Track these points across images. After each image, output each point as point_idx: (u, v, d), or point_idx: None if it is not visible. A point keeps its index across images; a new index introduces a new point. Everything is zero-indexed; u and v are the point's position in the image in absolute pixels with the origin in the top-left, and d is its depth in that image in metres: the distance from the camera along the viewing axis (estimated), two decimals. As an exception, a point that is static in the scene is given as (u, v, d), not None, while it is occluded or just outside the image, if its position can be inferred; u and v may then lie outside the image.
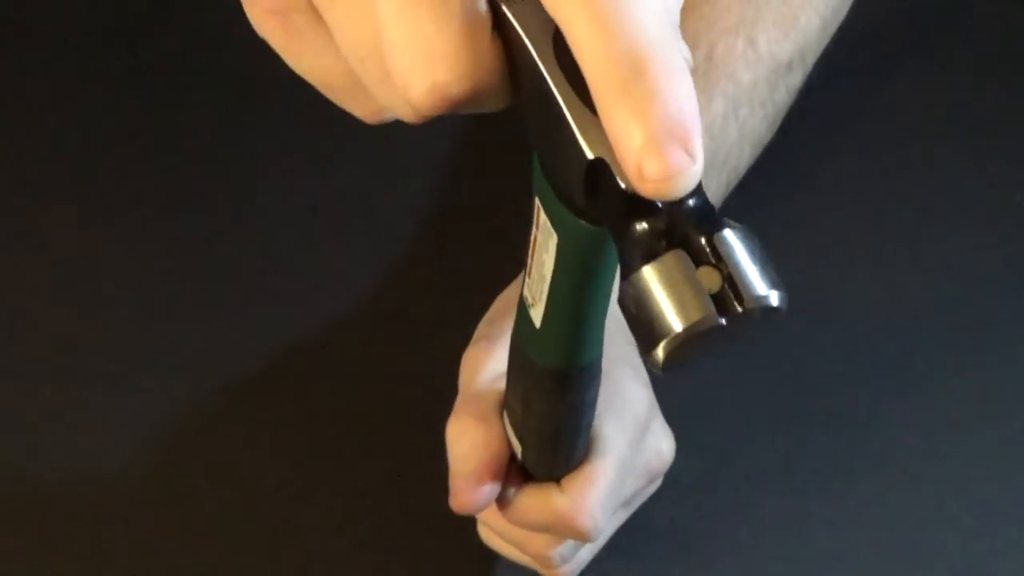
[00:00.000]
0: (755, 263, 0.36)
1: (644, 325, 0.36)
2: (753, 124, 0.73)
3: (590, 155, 0.36)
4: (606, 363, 0.57)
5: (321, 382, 0.76)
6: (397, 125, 0.92)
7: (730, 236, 0.36)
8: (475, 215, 0.82)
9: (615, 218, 0.37)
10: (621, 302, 0.37)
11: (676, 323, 0.35)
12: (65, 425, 0.75)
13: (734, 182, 0.73)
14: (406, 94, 0.35)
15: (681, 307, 0.35)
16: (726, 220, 0.37)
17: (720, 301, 0.36)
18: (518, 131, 0.38)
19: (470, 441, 0.60)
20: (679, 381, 0.68)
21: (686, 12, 0.72)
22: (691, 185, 0.34)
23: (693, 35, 0.72)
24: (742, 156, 0.73)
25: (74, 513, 0.72)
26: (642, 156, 0.33)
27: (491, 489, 0.60)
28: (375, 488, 0.72)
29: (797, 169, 0.82)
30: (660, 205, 0.36)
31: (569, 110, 0.36)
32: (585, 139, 0.36)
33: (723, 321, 0.35)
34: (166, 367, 0.77)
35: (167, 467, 0.73)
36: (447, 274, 0.80)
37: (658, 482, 0.66)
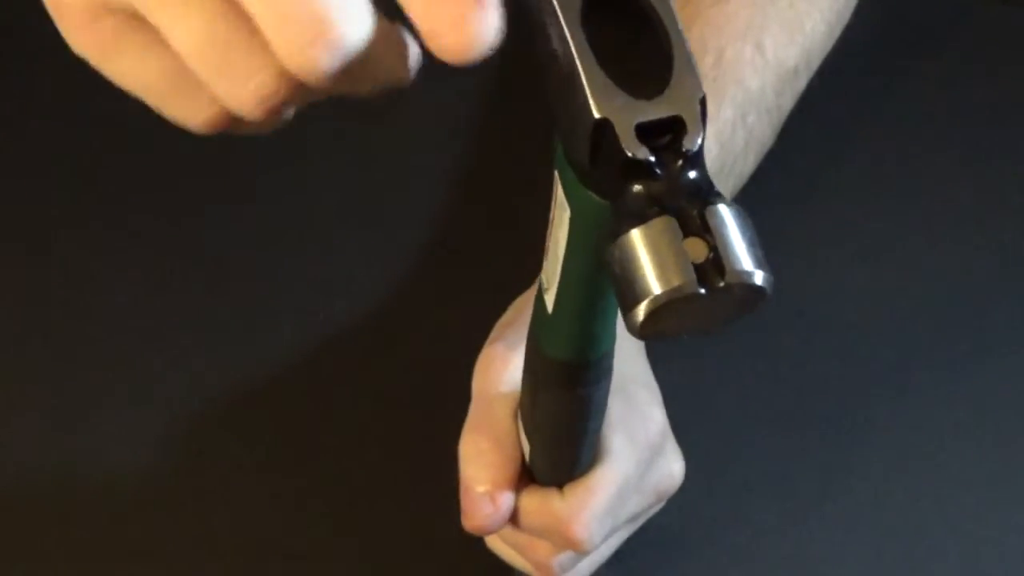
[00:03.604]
0: (744, 240, 0.37)
1: (626, 287, 0.37)
2: (760, 131, 0.73)
3: (596, 114, 0.37)
4: (623, 381, 0.57)
5: (325, 388, 0.76)
6: (405, 128, 0.91)
7: (722, 210, 0.37)
8: (484, 220, 0.82)
9: (614, 181, 0.38)
10: (607, 263, 0.37)
11: (655, 286, 0.36)
12: (66, 432, 0.74)
13: (739, 188, 0.73)
14: (300, 58, 0.33)
15: (662, 272, 0.36)
16: (722, 196, 0.37)
17: (703, 272, 0.36)
18: (533, 126, 0.38)
19: (484, 462, 0.60)
20: (677, 386, 0.69)
21: (693, 17, 0.72)
22: (492, 32, 0.33)
23: (701, 40, 0.71)
24: (747, 163, 0.73)
25: (75, 517, 0.72)
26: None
27: (504, 512, 0.60)
28: (381, 495, 0.72)
29: (795, 171, 0.82)
30: (659, 172, 0.37)
31: (583, 68, 0.36)
32: (594, 98, 0.36)
33: (702, 291, 0.36)
34: (168, 373, 0.76)
35: (167, 473, 0.73)
36: (454, 279, 0.80)
37: (664, 500, 0.66)
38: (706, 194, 0.37)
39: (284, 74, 0.34)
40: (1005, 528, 0.72)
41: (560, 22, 0.37)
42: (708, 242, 0.36)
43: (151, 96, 0.37)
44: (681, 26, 0.37)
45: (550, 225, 0.46)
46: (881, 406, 0.76)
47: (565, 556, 0.63)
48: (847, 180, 0.85)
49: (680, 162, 0.37)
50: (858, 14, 0.79)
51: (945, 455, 0.74)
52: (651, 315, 0.36)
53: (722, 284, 0.36)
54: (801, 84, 0.75)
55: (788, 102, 0.75)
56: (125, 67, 0.37)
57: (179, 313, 0.79)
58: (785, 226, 0.82)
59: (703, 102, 0.37)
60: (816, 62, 0.76)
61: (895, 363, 0.77)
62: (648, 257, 0.36)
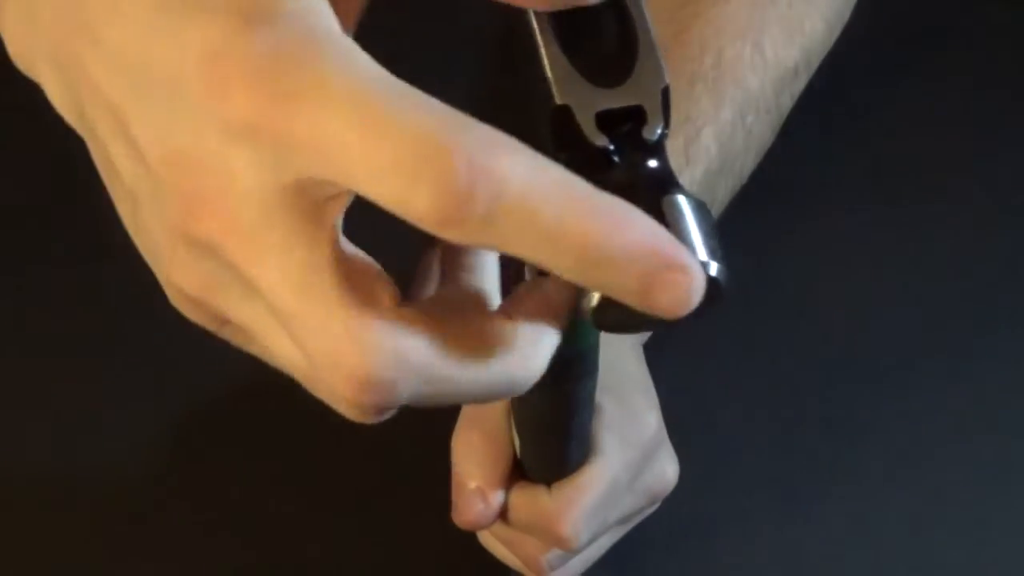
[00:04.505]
0: (700, 231, 0.37)
1: None
2: (759, 130, 0.73)
3: (557, 100, 0.37)
4: (619, 383, 0.56)
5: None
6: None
7: (679, 201, 0.37)
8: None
9: (576, 169, 0.38)
10: None
11: None
12: (66, 432, 0.74)
13: (738, 188, 0.73)
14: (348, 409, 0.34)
15: None
16: (681, 187, 0.37)
17: None
18: (533, 124, 0.39)
19: (476, 458, 0.60)
20: (677, 386, 0.69)
21: (692, 17, 0.72)
22: (702, 283, 0.33)
23: (700, 41, 0.71)
24: (747, 162, 0.73)
25: (76, 517, 0.72)
26: (647, 295, 0.32)
27: (495, 508, 0.60)
28: (379, 493, 0.72)
29: (794, 171, 0.82)
30: (617, 160, 0.37)
31: (547, 54, 0.37)
32: (555, 84, 0.37)
33: None
34: (166, 372, 0.76)
35: (167, 473, 0.73)
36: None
37: (657, 503, 0.66)
38: (665, 184, 0.37)
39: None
40: (1005, 528, 0.72)
41: (528, 10, 0.37)
42: None
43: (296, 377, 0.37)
44: (649, 17, 0.37)
45: None
46: (881, 406, 0.76)
47: (554, 554, 0.63)
48: (846, 180, 0.85)
49: (640, 151, 0.37)
50: (858, 14, 0.79)
51: (945, 455, 0.74)
52: (604, 302, 0.36)
53: None
54: (800, 84, 0.75)
55: (787, 102, 0.75)
56: (268, 358, 0.37)
57: (179, 312, 0.78)
58: (784, 226, 0.82)
59: (666, 92, 0.37)
60: (816, 62, 0.76)
61: (895, 363, 0.77)
62: None
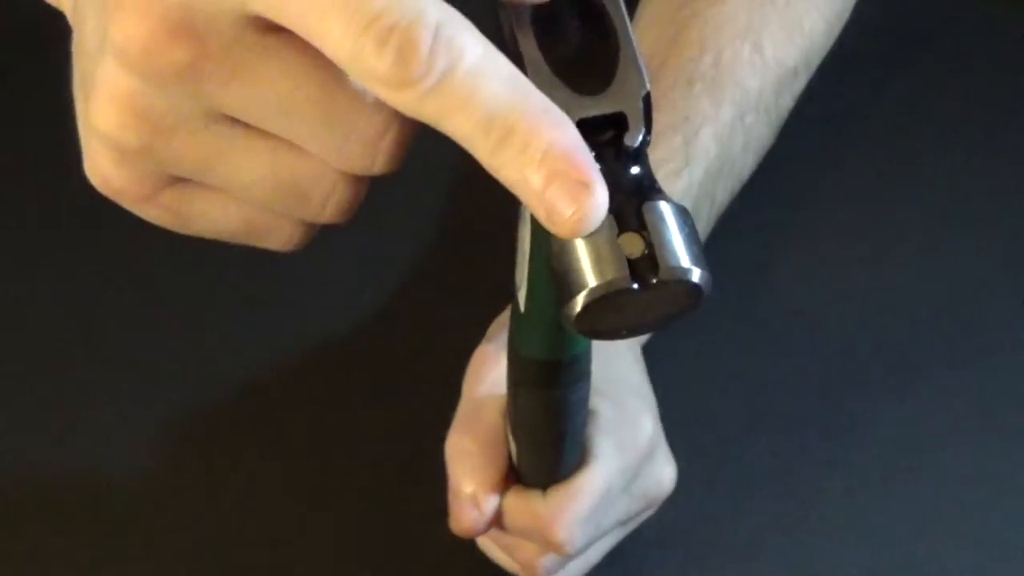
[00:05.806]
0: (681, 238, 0.37)
1: (561, 280, 0.37)
2: (759, 131, 0.73)
3: None
4: (616, 387, 0.56)
5: (322, 389, 0.76)
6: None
7: (661, 207, 0.37)
8: (482, 219, 0.82)
9: None
10: (547, 257, 0.37)
11: (589, 280, 0.36)
12: (66, 432, 0.74)
13: (738, 188, 0.73)
14: (368, 165, 0.35)
15: (596, 266, 0.36)
16: (663, 193, 0.37)
17: (637, 268, 0.36)
18: None
19: (470, 464, 0.60)
20: (677, 386, 0.69)
21: (691, 18, 0.73)
22: (600, 212, 0.34)
23: (700, 41, 0.71)
24: (746, 163, 0.73)
25: (75, 517, 0.72)
26: (548, 201, 0.33)
27: (489, 515, 0.61)
28: (376, 496, 0.72)
29: (794, 171, 0.82)
30: (599, 167, 0.37)
31: (528, 62, 0.37)
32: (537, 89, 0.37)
33: (635, 286, 0.36)
34: (166, 372, 0.76)
35: (167, 473, 0.73)
36: (454, 279, 0.80)
37: (655, 506, 0.66)
38: (646, 190, 0.37)
39: (357, 180, 0.36)
40: (1005, 528, 0.72)
41: (511, 16, 0.37)
42: (644, 238, 0.36)
43: (237, 238, 0.38)
44: (630, 24, 0.37)
45: (518, 222, 0.46)
46: (881, 406, 0.76)
47: (550, 558, 0.63)
48: (846, 180, 0.85)
49: (621, 159, 0.37)
50: (857, 13, 0.79)
51: (945, 455, 0.74)
52: (585, 309, 0.36)
53: (655, 280, 0.36)
54: (800, 84, 0.75)
55: (787, 102, 0.75)
56: (201, 226, 0.37)
57: (179, 312, 0.79)
58: (784, 226, 0.82)
59: (647, 100, 0.37)
60: (815, 62, 0.76)
61: (895, 363, 0.77)
62: (583, 251, 0.36)
